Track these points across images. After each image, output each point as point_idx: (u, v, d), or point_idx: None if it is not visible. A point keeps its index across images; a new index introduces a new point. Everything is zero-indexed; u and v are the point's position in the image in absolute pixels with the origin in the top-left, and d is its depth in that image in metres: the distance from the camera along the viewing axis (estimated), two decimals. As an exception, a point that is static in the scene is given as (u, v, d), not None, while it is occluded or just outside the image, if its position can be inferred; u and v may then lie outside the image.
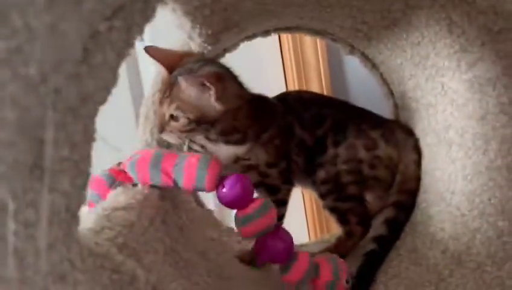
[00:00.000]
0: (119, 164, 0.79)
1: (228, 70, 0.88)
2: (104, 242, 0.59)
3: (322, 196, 0.94)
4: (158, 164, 0.74)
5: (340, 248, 0.92)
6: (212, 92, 0.80)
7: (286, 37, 1.48)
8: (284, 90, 1.49)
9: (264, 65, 1.50)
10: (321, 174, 0.93)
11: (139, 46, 0.68)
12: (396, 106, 1.09)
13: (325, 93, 1.48)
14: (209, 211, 1.06)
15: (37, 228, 0.41)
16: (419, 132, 0.98)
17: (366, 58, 1.07)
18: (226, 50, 0.99)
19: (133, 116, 1.16)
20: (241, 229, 0.76)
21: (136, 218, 0.67)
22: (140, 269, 0.63)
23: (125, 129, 1.15)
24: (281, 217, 0.94)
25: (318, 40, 1.45)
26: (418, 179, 0.95)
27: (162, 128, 0.84)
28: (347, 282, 0.80)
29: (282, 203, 0.94)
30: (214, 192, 0.76)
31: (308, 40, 1.46)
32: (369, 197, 0.96)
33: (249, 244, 0.96)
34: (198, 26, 0.77)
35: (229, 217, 1.48)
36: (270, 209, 0.77)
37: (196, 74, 0.80)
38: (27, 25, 0.31)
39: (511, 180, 0.75)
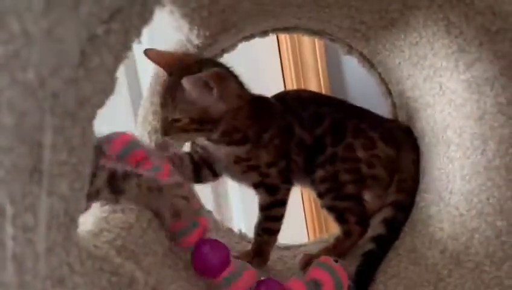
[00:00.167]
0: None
1: (228, 70, 0.88)
2: (102, 245, 0.59)
3: (320, 195, 0.94)
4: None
5: (338, 248, 0.92)
6: (215, 91, 0.80)
7: (284, 37, 1.49)
8: (282, 90, 1.49)
9: (262, 65, 1.50)
10: (320, 173, 0.93)
11: (137, 48, 0.67)
12: (394, 106, 1.09)
13: (323, 92, 1.48)
14: (209, 212, 1.06)
15: (35, 232, 0.41)
16: (417, 131, 0.98)
17: (364, 58, 1.08)
18: (224, 50, 0.99)
19: (132, 117, 1.16)
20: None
21: (134, 220, 0.67)
22: (139, 271, 0.63)
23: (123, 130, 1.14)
24: (280, 217, 0.94)
25: (316, 40, 1.45)
26: (416, 178, 0.95)
27: (165, 131, 0.84)
28: (349, 288, 0.80)
29: (281, 204, 0.94)
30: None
31: (306, 40, 1.47)
32: (367, 196, 0.96)
33: (249, 245, 0.96)
34: (196, 27, 0.77)
35: (228, 217, 1.49)
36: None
37: (198, 74, 0.80)
38: (24, 29, 0.31)
39: (509, 180, 0.75)
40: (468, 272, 0.75)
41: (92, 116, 0.47)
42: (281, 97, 1.00)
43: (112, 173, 0.68)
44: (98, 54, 0.43)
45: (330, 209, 0.94)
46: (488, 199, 0.77)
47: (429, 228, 0.85)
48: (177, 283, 0.72)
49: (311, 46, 1.47)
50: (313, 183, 0.95)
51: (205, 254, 0.74)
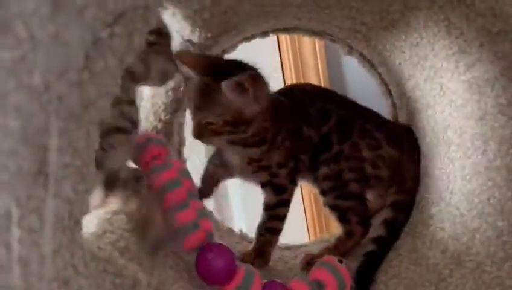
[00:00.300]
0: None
1: (258, 71, 0.88)
2: (106, 246, 0.59)
3: (323, 193, 0.94)
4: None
5: (340, 248, 0.92)
6: (251, 92, 0.82)
7: (284, 37, 1.49)
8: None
9: (263, 66, 1.50)
10: (323, 170, 0.93)
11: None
12: (394, 106, 1.10)
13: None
14: (209, 213, 1.06)
15: (41, 234, 0.41)
16: (418, 131, 0.98)
17: (364, 58, 1.08)
18: (224, 51, 0.99)
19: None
20: None
21: (137, 221, 0.67)
22: (142, 272, 0.63)
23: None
24: (283, 217, 0.95)
25: (316, 41, 1.45)
26: (417, 178, 0.95)
27: (198, 134, 0.85)
28: (351, 288, 0.80)
29: (286, 204, 0.95)
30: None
31: (306, 40, 1.47)
32: (369, 195, 0.97)
33: (250, 245, 0.97)
34: (197, 29, 0.78)
35: (228, 217, 1.49)
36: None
37: (236, 76, 0.81)
38: (31, 34, 0.31)
39: (510, 180, 0.75)
40: (469, 272, 0.75)
41: (96, 119, 0.47)
42: (287, 93, 1.00)
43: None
44: (103, 57, 0.43)
45: (332, 207, 0.94)
46: (488, 199, 0.77)
47: (430, 228, 0.85)
48: (178, 284, 0.72)
49: (311, 47, 1.48)
50: (316, 181, 0.95)
51: (209, 260, 0.73)
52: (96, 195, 0.65)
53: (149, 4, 0.47)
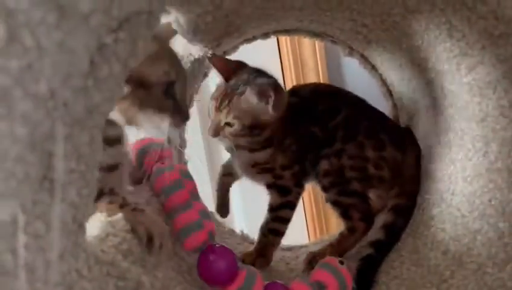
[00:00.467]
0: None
1: (277, 80, 0.93)
2: (109, 249, 0.60)
3: (325, 189, 0.94)
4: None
5: (342, 244, 0.93)
6: (272, 100, 0.87)
7: (284, 38, 1.49)
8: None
9: (263, 67, 1.50)
10: (324, 165, 0.94)
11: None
12: (395, 107, 1.10)
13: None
14: (211, 214, 1.06)
15: (46, 239, 0.41)
16: (419, 133, 0.99)
17: (365, 59, 1.08)
18: (225, 53, 0.99)
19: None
20: None
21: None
22: (145, 275, 0.63)
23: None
24: (287, 220, 0.96)
25: (316, 42, 1.45)
26: (418, 181, 0.95)
27: (216, 133, 0.89)
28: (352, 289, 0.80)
29: (290, 206, 0.96)
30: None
31: (306, 42, 1.47)
32: (371, 195, 0.97)
33: (251, 246, 0.97)
34: (200, 32, 0.78)
35: (229, 218, 1.49)
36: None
37: (257, 83, 0.87)
38: (38, 43, 0.31)
39: (511, 182, 0.75)
40: (470, 274, 0.75)
41: (100, 124, 0.48)
42: (298, 92, 1.03)
43: None
44: (107, 62, 0.43)
45: (334, 204, 0.94)
46: (490, 200, 0.77)
47: (431, 229, 0.85)
48: (181, 286, 0.73)
49: (311, 48, 1.48)
50: (317, 177, 0.96)
51: (211, 262, 0.74)
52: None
53: (152, 9, 0.47)
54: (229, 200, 1.07)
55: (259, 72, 0.92)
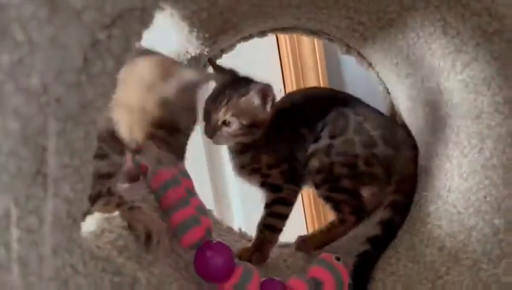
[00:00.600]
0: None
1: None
2: (105, 245, 0.60)
3: (316, 186, 0.96)
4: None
5: (332, 232, 0.96)
6: (270, 99, 0.92)
7: (284, 37, 1.49)
8: (281, 90, 1.50)
9: (262, 65, 1.50)
10: (314, 162, 0.95)
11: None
12: (392, 105, 1.10)
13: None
14: (209, 211, 1.07)
15: (40, 234, 0.41)
16: (415, 130, 0.99)
17: (362, 57, 1.08)
18: (222, 51, 1.00)
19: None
20: None
21: (135, 220, 0.68)
22: (141, 271, 0.64)
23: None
24: (283, 216, 0.97)
25: (315, 40, 1.46)
26: (415, 178, 0.96)
27: (213, 133, 0.92)
28: (349, 286, 0.81)
29: (285, 202, 0.97)
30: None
31: (305, 40, 1.47)
32: (365, 192, 0.97)
33: (249, 243, 0.97)
34: (195, 29, 0.78)
35: (228, 216, 1.50)
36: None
37: (259, 84, 0.92)
38: (29, 38, 0.32)
39: (506, 178, 0.76)
40: (466, 270, 0.75)
41: (94, 120, 0.48)
42: (289, 96, 1.08)
43: None
44: (101, 58, 0.44)
45: (326, 199, 0.96)
46: (485, 197, 0.78)
47: (427, 226, 0.85)
48: (178, 282, 0.73)
49: (310, 46, 1.48)
50: (309, 174, 0.97)
51: (208, 258, 0.74)
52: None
53: (146, 6, 0.48)
54: None
55: (248, 79, 0.95)
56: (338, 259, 0.83)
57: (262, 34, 1.03)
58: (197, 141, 1.41)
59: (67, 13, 0.36)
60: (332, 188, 0.94)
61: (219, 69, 0.96)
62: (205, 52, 0.90)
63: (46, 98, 0.37)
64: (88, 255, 0.54)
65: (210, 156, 1.49)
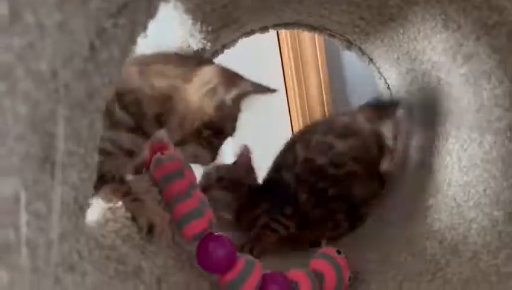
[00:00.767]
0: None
1: None
2: (109, 234, 0.61)
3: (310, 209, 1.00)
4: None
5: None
6: None
7: (284, 33, 1.50)
8: (282, 86, 1.51)
9: (263, 61, 1.51)
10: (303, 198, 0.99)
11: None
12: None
13: (323, 88, 1.49)
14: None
15: (47, 220, 0.42)
16: (416, 124, 1.00)
17: (363, 53, 1.09)
18: (224, 46, 1.00)
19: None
20: None
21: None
22: (144, 260, 0.64)
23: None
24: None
25: (316, 36, 1.46)
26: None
27: None
28: (349, 279, 0.81)
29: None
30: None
31: (306, 36, 1.48)
32: (354, 191, 0.99)
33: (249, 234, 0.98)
34: (198, 23, 0.79)
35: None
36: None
37: None
38: (39, 22, 0.32)
39: (505, 171, 0.76)
40: (466, 261, 0.76)
41: (99, 108, 0.49)
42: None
43: None
44: (107, 47, 0.44)
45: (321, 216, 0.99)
46: (485, 190, 0.78)
47: (427, 219, 0.86)
48: (179, 274, 0.73)
49: (311, 42, 1.49)
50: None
51: (210, 249, 0.75)
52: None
53: (151, -4, 0.49)
54: None
55: None
56: (339, 252, 0.84)
57: (264, 29, 1.03)
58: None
59: (74, 0, 0.37)
60: (323, 205, 0.99)
61: None
62: (207, 47, 0.91)
63: (54, 84, 0.38)
64: (93, 242, 0.54)
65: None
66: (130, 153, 0.70)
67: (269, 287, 0.77)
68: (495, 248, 0.74)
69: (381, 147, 1.01)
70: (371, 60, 1.09)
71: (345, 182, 0.97)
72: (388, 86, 1.10)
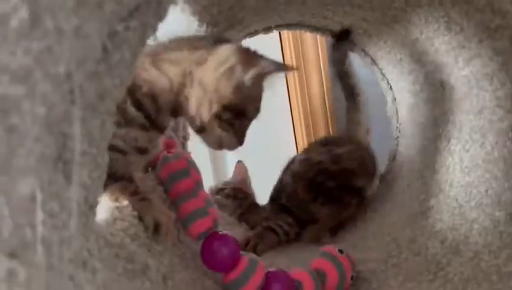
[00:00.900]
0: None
1: None
2: (118, 233, 0.61)
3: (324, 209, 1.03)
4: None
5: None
6: None
7: (287, 33, 1.50)
8: (284, 86, 1.51)
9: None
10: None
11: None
12: (395, 100, 1.12)
13: (324, 87, 1.50)
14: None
15: (60, 218, 0.43)
16: (418, 125, 1.00)
17: (366, 54, 1.10)
18: (228, 46, 1.01)
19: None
20: None
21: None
22: (151, 258, 0.65)
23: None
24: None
25: (318, 37, 1.47)
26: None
27: None
28: (352, 278, 0.82)
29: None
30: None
31: (308, 37, 1.48)
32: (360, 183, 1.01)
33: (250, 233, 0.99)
34: (205, 24, 0.80)
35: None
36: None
37: None
38: (58, 26, 0.33)
39: (507, 172, 0.77)
40: (467, 261, 0.77)
41: (111, 109, 0.49)
42: None
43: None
44: (119, 49, 0.45)
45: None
46: (486, 190, 0.79)
47: (429, 219, 0.87)
48: (184, 272, 0.74)
49: (313, 43, 1.49)
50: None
51: (214, 248, 0.76)
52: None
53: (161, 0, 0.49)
54: None
55: None
56: (341, 252, 0.85)
57: (267, 30, 1.04)
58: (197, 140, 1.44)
59: (90, 4, 0.38)
60: (332, 201, 1.01)
61: None
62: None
63: (69, 86, 0.39)
64: (102, 241, 0.55)
65: (213, 151, 1.51)
66: (142, 151, 0.69)
67: (272, 285, 0.78)
68: (496, 248, 0.75)
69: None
70: (373, 60, 1.09)
71: (344, 176, 0.99)
72: (390, 86, 1.11)
